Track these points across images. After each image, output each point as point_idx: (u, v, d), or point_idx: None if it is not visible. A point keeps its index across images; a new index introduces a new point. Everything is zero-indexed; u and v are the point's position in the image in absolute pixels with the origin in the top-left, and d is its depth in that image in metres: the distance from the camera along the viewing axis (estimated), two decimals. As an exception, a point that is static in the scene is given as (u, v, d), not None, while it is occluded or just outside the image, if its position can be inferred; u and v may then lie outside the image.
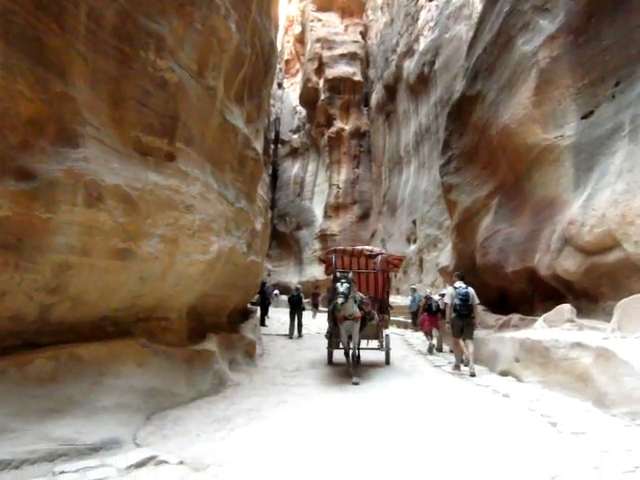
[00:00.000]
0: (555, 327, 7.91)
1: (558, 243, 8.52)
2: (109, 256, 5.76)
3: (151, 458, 4.18)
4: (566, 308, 8.06)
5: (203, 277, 7.92)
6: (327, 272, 12.41)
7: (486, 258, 11.80)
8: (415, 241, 27.42)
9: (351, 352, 9.04)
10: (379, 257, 11.33)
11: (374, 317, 10.26)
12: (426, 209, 25.58)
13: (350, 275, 8.75)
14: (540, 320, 8.48)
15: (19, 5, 4.46)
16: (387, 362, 10.66)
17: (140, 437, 5.06)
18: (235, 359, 9.28)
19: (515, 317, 9.98)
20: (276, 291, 36.07)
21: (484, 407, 6.36)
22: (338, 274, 8.93)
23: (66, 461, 4.11)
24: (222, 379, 7.85)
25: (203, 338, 8.44)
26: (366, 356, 10.75)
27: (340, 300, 8.26)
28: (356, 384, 8.04)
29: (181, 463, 4.19)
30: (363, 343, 10.36)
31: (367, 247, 12.39)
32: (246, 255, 10.06)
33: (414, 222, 27.55)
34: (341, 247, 12.49)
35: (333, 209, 39.05)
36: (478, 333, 10.96)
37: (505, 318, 10.37)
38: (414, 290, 18.02)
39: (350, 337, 8.96)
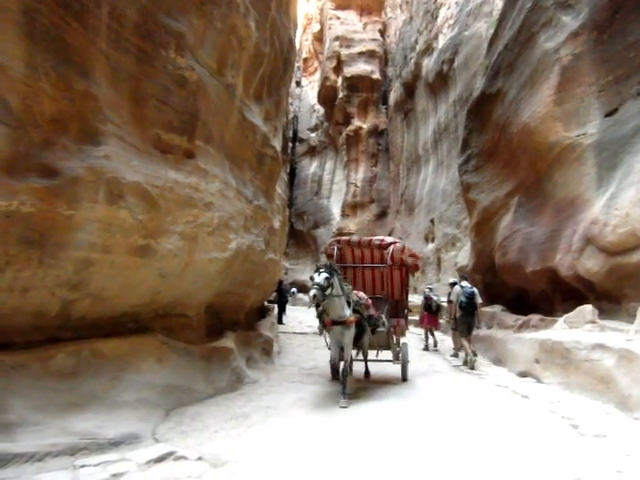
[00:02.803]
0: (576, 328, 7.79)
1: (580, 243, 8.39)
2: (129, 253, 5.81)
3: (170, 453, 4.22)
4: (587, 309, 7.93)
5: (221, 274, 7.97)
6: None
7: (505, 258, 11.68)
8: (433, 240, 27.24)
9: (342, 367, 6.97)
10: (391, 247, 9.07)
11: (384, 323, 8.50)
12: (444, 208, 25.38)
13: (333, 264, 7.08)
14: (560, 321, 8.36)
15: (43, 4, 4.52)
16: (404, 378, 8.63)
17: (159, 432, 5.11)
18: (252, 356, 9.31)
19: (535, 317, 9.86)
20: (294, 289, 36.14)
21: (504, 408, 6.29)
22: (318, 264, 7.15)
23: (87, 455, 4.17)
24: (240, 376, 7.89)
25: (221, 335, 8.48)
26: (376, 369, 9.25)
27: (313, 292, 6.23)
28: (344, 408, 6.35)
29: (200, 459, 4.22)
30: (371, 354, 8.95)
31: (378, 236, 10.14)
32: (264, 253, 10.09)
33: (432, 221, 27.36)
34: (346, 237, 10.12)
35: (350, 208, 38.98)
36: (497, 333, 10.90)
37: (524, 318, 10.25)
38: (430, 289, 17.92)
39: (342, 348, 7.09)
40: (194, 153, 6.85)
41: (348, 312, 6.96)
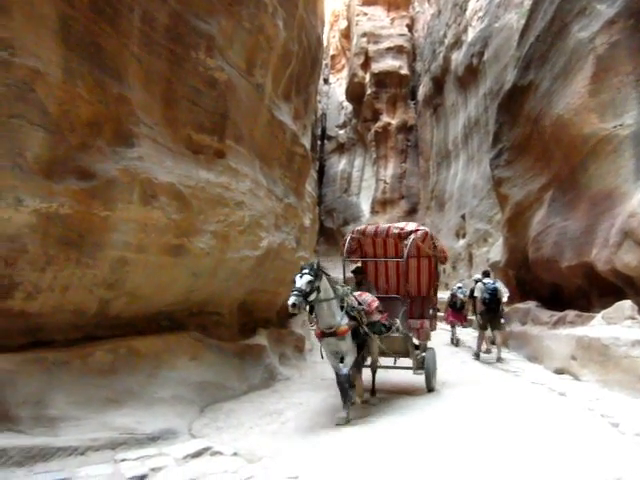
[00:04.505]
0: (614, 324, 7.59)
1: (617, 237, 8.17)
2: (163, 252, 5.93)
3: (206, 449, 4.29)
4: (626, 304, 7.71)
5: (253, 273, 8.04)
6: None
7: (539, 253, 11.45)
8: (464, 236, 26.90)
9: (343, 376, 5.73)
10: (412, 237, 7.36)
11: (398, 328, 6.98)
12: (475, 203, 25.03)
13: (316, 264, 5.73)
14: (598, 317, 8.16)
15: (77, 11, 4.64)
16: (429, 389, 7.31)
17: (195, 428, 5.20)
18: (285, 354, 9.37)
19: (571, 313, 9.64)
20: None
21: (540, 406, 6.18)
22: (302, 263, 6.04)
23: (126, 449, 4.28)
24: (272, 373, 7.96)
25: (253, 333, 8.57)
26: (390, 377, 8.06)
27: (292, 300, 5.13)
28: (339, 425, 5.37)
29: (235, 454, 4.28)
30: (388, 361, 7.69)
31: (398, 223, 8.43)
32: (295, 251, 10.13)
33: (463, 217, 27.02)
34: (362, 226, 8.33)
35: (380, 204, 38.79)
36: (531, 330, 10.71)
37: (560, 314, 10.03)
38: (459, 288, 17.79)
39: (342, 359, 5.95)
40: (225, 153, 6.93)
41: (340, 319, 5.77)
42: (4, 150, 4.05)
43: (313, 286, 5.42)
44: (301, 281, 5.36)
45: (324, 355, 6.10)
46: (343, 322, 5.78)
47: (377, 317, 6.51)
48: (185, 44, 6.12)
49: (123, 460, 3.99)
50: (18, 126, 4.12)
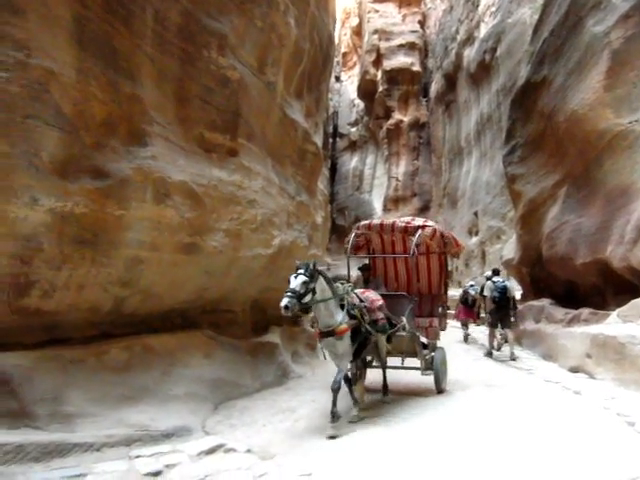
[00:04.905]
0: (630, 322, 7.50)
1: (633, 233, 8.07)
2: (176, 251, 5.97)
3: (220, 446, 4.32)
4: (643, 302, 7.62)
5: (265, 271, 8.06)
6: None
7: (553, 250, 11.35)
8: (477, 233, 26.75)
9: (339, 379, 5.42)
10: (419, 233, 7.09)
11: (404, 327, 6.74)
12: (488, 200, 24.87)
13: (312, 264, 5.28)
14: (614, 315, 8.07)
15: (91, 11, 4.68)
16: (438, 390, 7.02)
17: (209, 425, 5.24)
18: (298, 351, 9.39)
19: (585, 311, 9.55)
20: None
21: (555, 405, 6.13)
22: (297, 262, 5.40)
23: (141, 446, 4.32)
24: (285, 371, 7.98)
25: (266, 331, 8.59)
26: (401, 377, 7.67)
27: (284, 302, 4.82)
28: (332, 438, 4.91)
29: (248, 451, 4.31)
30: (396, 361, 7.40)
31: (403, 218, 8.29)
32: (307, 249, 10.14)
33: (475, 214, 26.86)
34: (366, 222, 8.01)
35: (392, 202, 38.68)
36: (546, 328, 10.63)
37: (574, 312, 9.93)
38: (472, 285, 17.72)
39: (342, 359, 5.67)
40: (237, 151, 6.96)
41: (340, 318, 5.51)
42: (20, 150, 4.10)
43: (308, 287, 5.08)
44: (296, 282, 5.03)
45: (326, 356, 5.85)
46: (343, 321, 5.51)
47: (379, 316, 6.19)
48: (197, 43, 6.15)
49: (138, 456, 4.03)
50: (34, 126, 4.17)
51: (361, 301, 6.03)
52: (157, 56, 5.60)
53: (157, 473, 3.73)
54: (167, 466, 3.87)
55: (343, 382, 5.54)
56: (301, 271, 5.12)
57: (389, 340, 6.51)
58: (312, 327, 5.74)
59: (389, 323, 6.41)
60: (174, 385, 5.70)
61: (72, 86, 4.48)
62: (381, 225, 7.58)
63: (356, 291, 6.23)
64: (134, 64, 5.25)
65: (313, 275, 5.17)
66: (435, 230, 7.41)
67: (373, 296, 6.41)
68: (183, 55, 5.98)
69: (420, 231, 7.10)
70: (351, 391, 5.75)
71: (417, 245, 7.12)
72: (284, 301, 4.82)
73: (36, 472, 3.61)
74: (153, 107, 5.51)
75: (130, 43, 5.17)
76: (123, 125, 5.12)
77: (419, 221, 7.57)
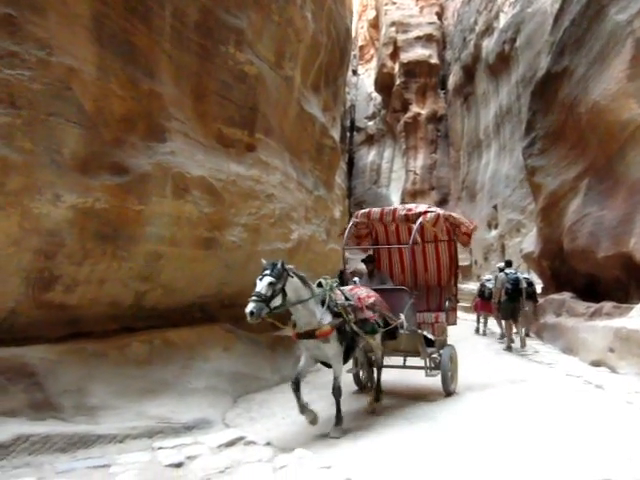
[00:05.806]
0: (654, 316, 7.39)
1: (657, 226, 7.94)
2: (196, 245, 6.03)
3: (240, 438, 4.35)
4: (667, 296, 7.50)
5: (284, 265, 8.08)
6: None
7: (575, 243, 11.20)
8: (496, 227, 26.48)
9: (338, 385, 5.08)
10: (419, 220, 6.42)
11: (402, 324, 5.99)
12: (508, 193, 24.58)
13: (280, 263, 4.59)
14: (637, 308, 7.95)
15: (110, 8, 4.73)
16: (447, 392, 6.36)
17: (228, 418, 5.29)
18: (316, 345, 9.41)
19: (608, 305, 9.41)
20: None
21: (577, 399, 6.07)
22: (263, 262, 4.67)
23: (163, 438, 4.39)
24: (304, 364, 8.00)
25: (285, 324, 8.61)
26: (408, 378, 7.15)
27: (249, 308, 4.23)
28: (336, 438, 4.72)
29: (268, 444, 4.33)
30: (398, 360, 6.94)
31: (405, 205, 7.63)
32: (325, 243, 10.16)
33: (495, 207, 26.58)
34: (365, 210, 7.27)
35: (410, 196, 38.37)
36: (567, 321, 10.52)
37: (596, 306, 9.80)
38: (488, 280, 17.60)
39: (327, 364, 5.37)
40: (255, 146, 6.99)
41: (320, 315, 4.93)
42: (43, 147, 4.17)
43: (275, 289, 4.46)
44: (261, 284, 4.42)
45: (301, 361, 5.27)
46: (325, 320, 4.91)
47: (368, 315, 5.48)
48: (215, 39, 6.18)
49: (160, 448, 4.08)
50: (56, 123, 4.24)
51: (347, 299, 5.35)
52: (175, 52, 5.64)
53: (179, 464, 3.77)
54: (188, 458, 3.91)
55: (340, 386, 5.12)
56: (267, 272, 4.50)
57: (388, 339, 5.98)
58: (294, 327, 5.13)
59: (384, 322, 5.81)
60: (194, 378, 5.76)
61: (92, 83, 4.54)
62: (381, 213, 6.92)
63: (343, 288, 5.65)
64: (153, 61, 5.30)
65: (281, 275, 4.54)
66: (439, 215, 6.74)
67: (363, 293, 5.77)
68: (201, 51, 6.01)
69: (422, 218, 6.45)
70: (340, 407, 5.07)
71: (421, 233, 6.57)
72: (249, 307, 4.24)
73: (62, 462, 3.69)
74: (172, 103, 5.55)
75: (149, 40, 5.21)
76: (142, 121, 5.17)
77: (422, 207, 6.92)
